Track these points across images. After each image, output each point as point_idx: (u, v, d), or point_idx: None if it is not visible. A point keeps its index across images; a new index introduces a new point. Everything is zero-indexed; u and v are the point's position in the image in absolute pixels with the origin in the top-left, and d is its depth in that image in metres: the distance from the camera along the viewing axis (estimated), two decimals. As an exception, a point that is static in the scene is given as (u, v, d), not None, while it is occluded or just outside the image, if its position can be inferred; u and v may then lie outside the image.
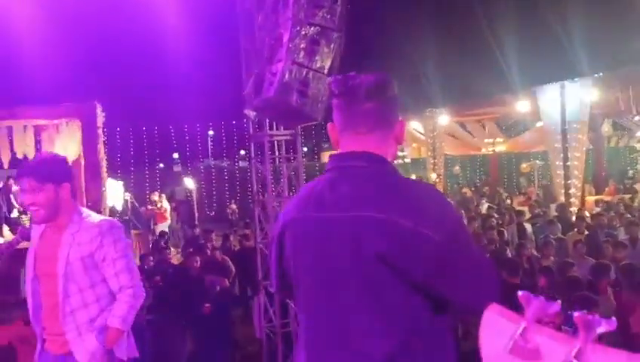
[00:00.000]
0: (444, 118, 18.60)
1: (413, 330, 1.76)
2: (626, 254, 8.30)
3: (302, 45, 6.57)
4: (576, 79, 13.61)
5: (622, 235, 9.96)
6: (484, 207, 16.69)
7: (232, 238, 12.66)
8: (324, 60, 6.74)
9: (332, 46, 6.76)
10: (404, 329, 1.75)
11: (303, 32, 6.60)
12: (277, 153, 7.47)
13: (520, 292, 1.02)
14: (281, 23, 6.59)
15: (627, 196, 17.33)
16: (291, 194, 7.97)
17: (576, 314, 0.94)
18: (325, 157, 31.54)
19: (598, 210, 14.44)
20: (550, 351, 0.96)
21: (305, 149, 31.70)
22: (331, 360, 1.83)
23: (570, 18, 18.22)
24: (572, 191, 13.84)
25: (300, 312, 2.00)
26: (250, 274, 8.23)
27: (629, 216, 12.10)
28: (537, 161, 23.57)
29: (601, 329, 0.93)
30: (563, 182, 14.00)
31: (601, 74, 13.47)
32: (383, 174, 1.87)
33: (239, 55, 7.28)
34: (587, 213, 13.03)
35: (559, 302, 1.00)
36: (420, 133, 19.98)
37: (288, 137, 7.38)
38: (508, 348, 0.99)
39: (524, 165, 25.76)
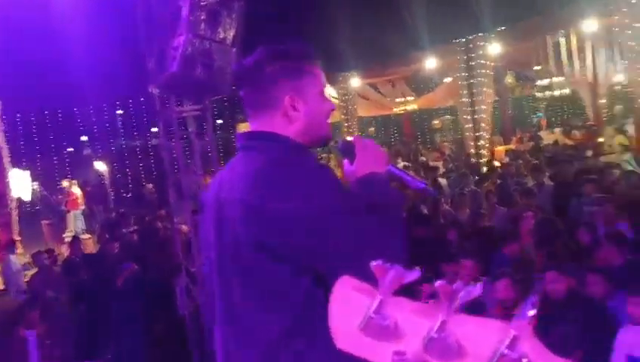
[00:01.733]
0: (355, 81, 18.68)
1: (302, 310, 1.68)
2: (535, 200, 8.64)
3: (202, 17, 6.35)
4: (479, 34, 13.95)
5: (531, 182, 10.37)
6: (401, 165, 17.00)
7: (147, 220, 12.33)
8: (227, 31, 6.56)
9: (234, 16, 6.58)
10: (291, 309, 1.68)
11: (203, 3, 6.38)
12: (188, 129, 7.25)
13: (373, 263, 0.89)
14: (178, -6, 6.32)
15: (532, 143, 18.06)
16: (206, 171, 7.80)
17: (437, 283, 0.84)
18: (242, 128, 31.01)
19: (507, 159, 15.00)
20: (410, 327, 0.87)
21: (220, 122, 31.11)
22: (228, 337, 1.82)
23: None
24: (481, 143, 14.28)
25: (211, 283, 1.94)
26: (169, 255, 8.04)
27: (535, 162, 12.61)
28: (448, 116, 24.20)
29: (465, 296, 0.84)
30: (473, 135, 14.43)
31: (503, 28, 13.84)
32: (267, 156, 1.79)
33: (139, 30, 6.96)
34: (498, 163, 13.51)
35: (417, 269, 0.88)
36: (334, 98, 20.02)
37: (198, 112, 7.17)
38: (361, 326, 0.89)
39: (435, 121, 26.40)
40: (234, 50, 6.58)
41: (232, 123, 31.53)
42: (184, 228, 7.39)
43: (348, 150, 1.96)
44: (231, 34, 6.54)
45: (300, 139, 1.87)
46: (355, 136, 2.05)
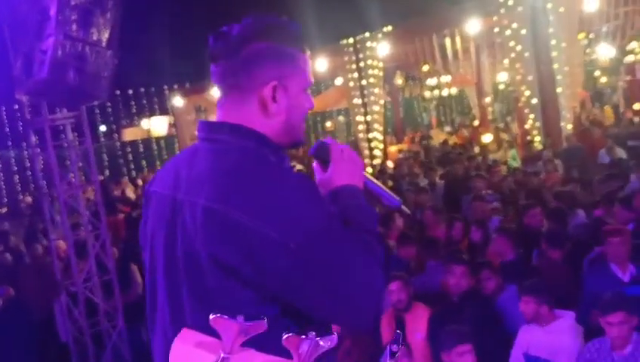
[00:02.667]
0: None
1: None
2: (427, 198, 8.76)
3: (73, 17, 5.88)
4: (367, 34, 14.07)
5: (424, 181, 10.52)
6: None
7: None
8: (101, 32, 6.11)
9: (108, 15, 6.14)
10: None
11: (73, 2, 5.91)
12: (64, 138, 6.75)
13: (212, 316, 0.87)
14: (44, -8, 5.81)
15: (424, 142, 18.49)
16: (83, 181, 7.28)
17: (284, 336, 0.84)
18: (127, 134, 29.69)
19: (402, 158, 15.26)
20: None
21: (103, 128, 29.60)
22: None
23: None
24: (374, 143, 14.41)
25: (153, 292, 1.63)
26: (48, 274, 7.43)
27: (428, 161, 12.87)
28: (341, 118, 24.40)
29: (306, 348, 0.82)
30: (365, 136, 14.54)
31: (390, 28, 14.01)
32: (241, 156, 1.50)
33: (2, 33, 6.36)
34: (391, 164, 13.69)
35: (264, 320, 0.87)
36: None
37: (73, 120, 6.66)
38: None
39: (328, 123, 26.56)
40: (110, 52, 6.14)
41: (117, 129, 30.17)
42: (61, 244, 6.84)
43: (322, 154, 1.69)
44: (105, 35, 6.10)
45: (276, 139, 1.59)
46: (330, 139, 1.78)
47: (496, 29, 11.75)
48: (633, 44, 18.63)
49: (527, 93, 11.24)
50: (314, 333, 0.82)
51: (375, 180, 1.79)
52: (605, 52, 15.10)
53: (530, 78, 11.14)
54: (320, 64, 14.94)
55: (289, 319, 1.43)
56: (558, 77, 11.09)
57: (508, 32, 11.31)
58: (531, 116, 11.32)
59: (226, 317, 0.84)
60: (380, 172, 11.58)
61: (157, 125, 27.48)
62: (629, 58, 20.98)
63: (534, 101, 11.16)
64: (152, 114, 28.12)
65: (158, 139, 27.62)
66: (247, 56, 1.55)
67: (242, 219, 1.37)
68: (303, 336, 0.81)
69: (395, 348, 0.81)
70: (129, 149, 27.34)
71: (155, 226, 1.60)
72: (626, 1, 12.81)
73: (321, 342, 0.81)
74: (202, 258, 1.42)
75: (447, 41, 13.60)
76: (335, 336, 0.82)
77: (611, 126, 15.34)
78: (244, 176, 1.44)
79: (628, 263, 4.40)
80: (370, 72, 14.07)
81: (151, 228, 1.62)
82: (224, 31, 1.58)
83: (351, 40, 14.22)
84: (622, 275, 4.38)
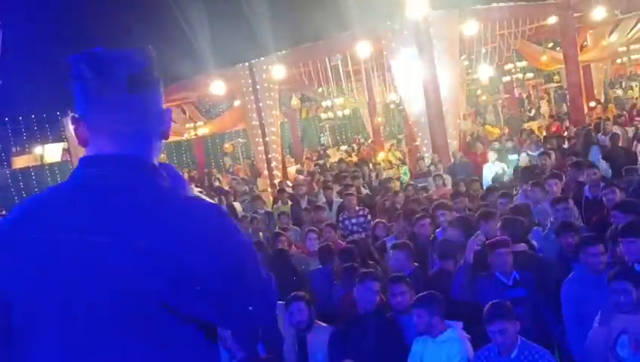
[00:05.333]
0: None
1: None
2: (325, 215, 9.00)
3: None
4: (261, 58, 14.32)
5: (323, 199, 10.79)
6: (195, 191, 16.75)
7: None
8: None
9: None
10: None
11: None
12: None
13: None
14: None
15: (321, 161, 18.90)
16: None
17: None
18: (18, 162, 28.32)
19: (301, 177, 15.54)
20: None
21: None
22: None
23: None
24: (274, 164, 14.63)
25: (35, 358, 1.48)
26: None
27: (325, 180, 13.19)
28: (240, 140, 24.46)
29: None
30: (264, 156, 14.72)
31: (284, 52, 14.35)
32: (144, 186, 1.48)
33: None
34: (290, 183, 13.92)
35: None
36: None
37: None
38: None
39: (226, 145, 26.52)
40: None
41: (7, 156, 28.70)
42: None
43: None
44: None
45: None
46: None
47: (385, 52, 12.33)
48: (509, 65, 20.06)
49: (415, 112, 11.85)
50: None
51: None
52: (485, 72, 16.12)
53: (417, 97, 11.73)
54: (217, 87, 15.05)
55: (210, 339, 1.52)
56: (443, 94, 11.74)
57: (396, 54, 11.91)
58: (420, 134, 11.93)
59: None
60: (279, 191, 11.79)
61: (50, 151, 26.62)
62: (507, 78, 22.53)
63: (422, 120, 11.78)
64: (44, 141, 27.08)
65: (51, 165, 26.59)
66: (155, 87, 1.62)
67: (183, 256, 1.40)
68: None
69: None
70: (19, 177, 26.14)
71: (26, 275, 1.46)
72: (501, 26, 13.77)
73: None
74: (135, 295, 1.40)
75: (340, 64, 14.07)
76: None
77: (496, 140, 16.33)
78: (170, 212, 1.45)
79: (511, 270, 4.76)
80: (266, 94, 14.31)
81: (24, 278, 1.46)
82: (138, 61, 1.56)
83: (247, 63, 14.43)
84: (506, 280, 4.74)
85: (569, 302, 4.51)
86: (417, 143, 12.12)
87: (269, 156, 14.70)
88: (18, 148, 28.76)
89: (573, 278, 4.59)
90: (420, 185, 10.02)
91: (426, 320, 4.23)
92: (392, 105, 21.61)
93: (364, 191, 10.90)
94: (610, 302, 3.83)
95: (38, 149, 27.43)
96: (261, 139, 14.71)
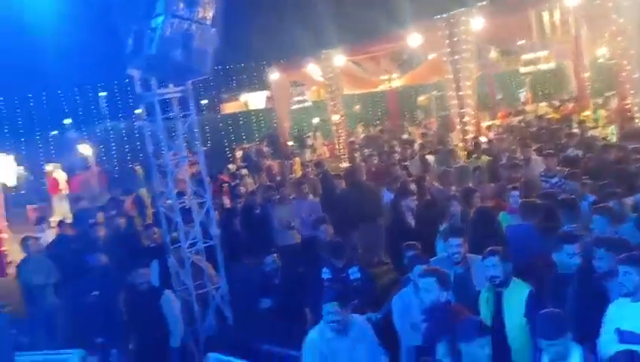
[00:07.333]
0: (340, 58, 18.56)
1: None
2: (521, 174, 8.69)
3: (180, -4, 6.27)
4: (462, 9, 13.89)
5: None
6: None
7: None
8: (207, 11, 6.49)
9: (212, -5, 6.50)
10: None
11: (181, -18, 6.30)
12: (171, 111, 7.21)
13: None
14: (154, -26, 6.23)
15: (517, 118, 18.10)
16: (188, 152, 7.77)
17: None
18: (227, 108, 30.78)
19: (491, 135, 15.05)
20: None
21: (205, 101, 30.85)
22: None
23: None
24: (466, 119, 14.29)
25: None
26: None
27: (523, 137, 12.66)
28: (434, 93, 24.15)
29: None
30: (458, 111, 14.43)
31: (484, 2, 13.79)
32: None
33: (114, 13, 6.85)
34: (484, 139, 13.57)
35: None
36: (320, 76, 19.93)
37: (179, 94, 7.11)
38: None
39: (421, 98, 26.34)
40: (213, 29, 6.52)
41: (218, 102, 31.45)
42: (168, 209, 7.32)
43: None
44: (210, 13, 6.47)
45: None
46: None
47: (597, 1, 11.37)
48: None
49: (629, 67, 10.86)
50: None
51: None
52: None
53: (632, 51, 10.76)
54: (412, 39, 14.94)
55: None
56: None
57: (610, 4, 10.94)
58: (632, 92, 10.95)
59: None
60: (475, 145, 11.62)
61: (255, 99, 28.63)
62: None
63: (636, 75, 10.79)
64: (250, 89, 29.18)
65: (256, 111, 28.55)
66: None
67: None
68: None
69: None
70: (230, 121, 28.35)
71: None
72: None
73: None
74: None
75: (545, 15, 13.22)
76: None
77: None
78: None
79: None
80: (462, 47, 13.91)
81: None
82: None
83: (444, 15, 14.10)
84: None
85: None
86: (629, 102, 11.12)
87: (462, 110, 14.37)
88: (227, 96, 31.29)
89: None
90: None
91: (636, 280, 4.01)
92: (600, 61, 19.91)
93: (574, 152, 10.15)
94: None
95: (243, 97, 29.66)
96: (455, 93, 14.40)
